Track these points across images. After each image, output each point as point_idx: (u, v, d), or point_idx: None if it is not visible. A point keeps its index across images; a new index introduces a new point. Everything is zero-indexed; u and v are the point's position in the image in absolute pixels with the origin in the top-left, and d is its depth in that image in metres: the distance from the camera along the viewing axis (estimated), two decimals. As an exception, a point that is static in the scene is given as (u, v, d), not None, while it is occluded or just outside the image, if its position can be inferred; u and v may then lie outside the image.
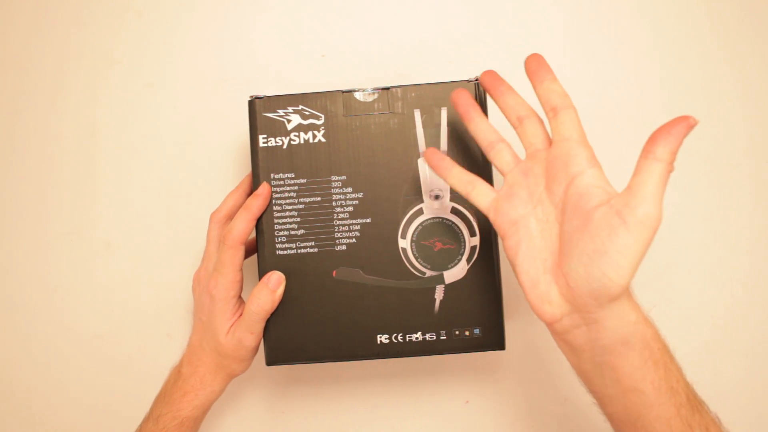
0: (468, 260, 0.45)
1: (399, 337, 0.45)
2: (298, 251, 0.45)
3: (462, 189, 0.41)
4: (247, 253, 0.48)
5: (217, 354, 0.46)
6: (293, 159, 0.46)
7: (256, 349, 0.47)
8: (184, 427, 0.46)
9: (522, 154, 0.40)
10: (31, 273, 0.57)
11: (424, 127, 0.46)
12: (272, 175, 0.46)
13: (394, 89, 0.46)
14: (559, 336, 0.37)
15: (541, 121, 0.39)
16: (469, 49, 0.57)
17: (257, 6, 0.58)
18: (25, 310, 0.57)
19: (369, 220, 0.45)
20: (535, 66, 0.39)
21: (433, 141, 0.46)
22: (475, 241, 0.45)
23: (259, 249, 0.46)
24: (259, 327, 0.45)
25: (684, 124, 0.32)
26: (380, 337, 0.45)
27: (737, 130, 0.57)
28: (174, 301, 0.57)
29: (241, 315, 0.45)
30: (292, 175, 0.46)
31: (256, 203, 0.45)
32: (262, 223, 0.46)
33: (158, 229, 0.57)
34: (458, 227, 0.45)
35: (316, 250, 0.45)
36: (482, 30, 0.57)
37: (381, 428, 0.56)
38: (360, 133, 0.46)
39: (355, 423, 0.56)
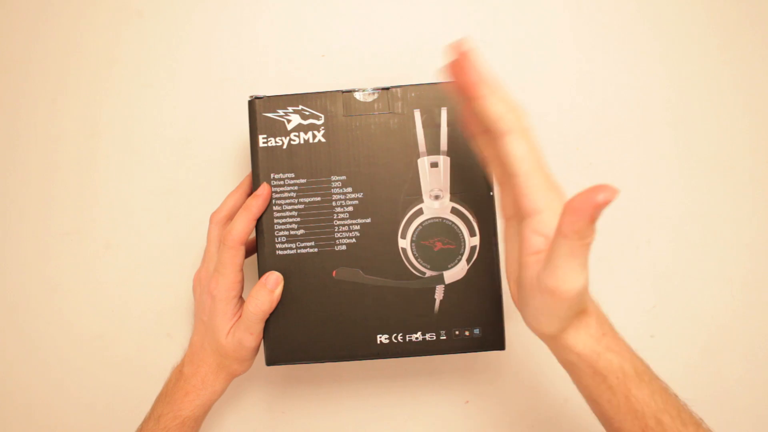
0: (468, 260, 0.45)
1: (399, 337, 0.45)
2: (298, 251, 0.45)
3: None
4: (248, 253, 0.48)
5: (218, 354, 0.46)
6: (293, 159, 0.46)
7: (257, 349, 0.47)
8: (185, 427, 0.46)
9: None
10: (31, 273, 0.57)
11: (424, 127, 0.46)
12: (272, 175, 0.46)
13: (394, 89, 0.46)
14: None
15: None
16: (469, 49, 0.57)
17: (257, 6, 0.58)
18: (25, 310, 0.57)
19: (369, 220, 0.45)
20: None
21: (433, 141, 0.46)
22: (475, 241, 0.45)
23: (259, 249, 0.46)
24: (259, 327, 0.45)
25: (590, 204, 0.29)
26: (380, 337, 0.45)
27: (737, 130, 0.57)
28: (174, 301, 0.57)
29: (241, 316, 0.45)
30: (292, 175, 0.46)
31: (256, 203, 0.45)
32: (262, 223, 0.45)
33: (158, 229, 0.57)
34: (458, 227, 0.45)
35: (316, 250, 0.45)
36: (482, 30, 0.57)
37: (381, 428, 0.56)
38: (360, 133, 0.46)
39: (355, 423, 0.56)
